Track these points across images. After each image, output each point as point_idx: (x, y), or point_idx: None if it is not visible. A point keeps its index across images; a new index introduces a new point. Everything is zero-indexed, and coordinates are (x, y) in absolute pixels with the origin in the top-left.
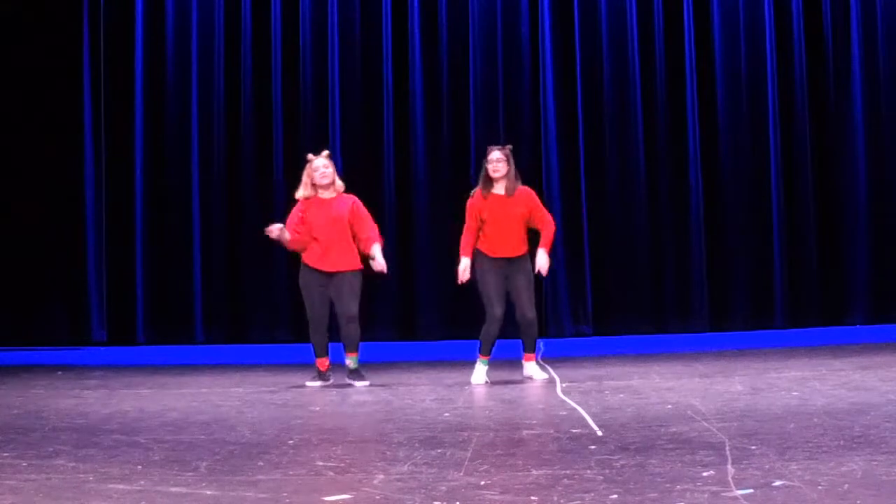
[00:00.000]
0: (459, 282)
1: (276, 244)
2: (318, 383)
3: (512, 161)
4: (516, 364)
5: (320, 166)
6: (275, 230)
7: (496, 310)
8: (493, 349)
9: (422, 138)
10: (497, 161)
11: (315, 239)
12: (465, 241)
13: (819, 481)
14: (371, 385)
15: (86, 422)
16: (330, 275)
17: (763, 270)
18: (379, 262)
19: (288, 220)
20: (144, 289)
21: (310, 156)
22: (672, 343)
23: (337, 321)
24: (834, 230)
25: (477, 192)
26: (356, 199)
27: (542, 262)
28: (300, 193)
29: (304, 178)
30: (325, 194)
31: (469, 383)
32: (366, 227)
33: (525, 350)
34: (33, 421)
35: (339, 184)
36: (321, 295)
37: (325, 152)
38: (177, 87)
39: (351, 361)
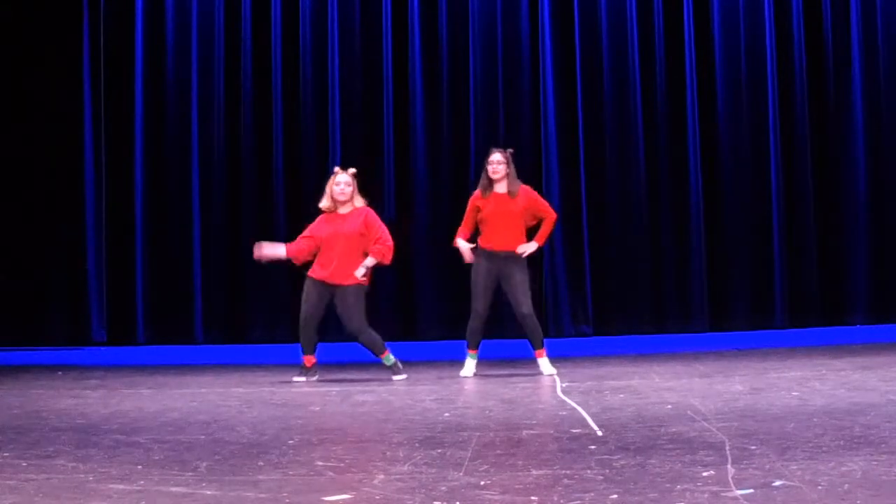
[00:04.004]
0: (468, 261)
1: (281, 238)
2: (303, 379)
3: (512, 164)
4: (517, 363)
5: (341, 182)
6: (263, 249)
7: (478, 305)
8: (481, 344)
9: (422, 138)
10: (497, 163)
11: (321, 251)
12: (460, 232)
13: (819, 481)
14: (375, 385)
15: (86, 422)
16: (332, 287)
17: (763, 270)
18: (358, 271)
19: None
20: (144, 289)
21: (336, 168)
22: (672, 343)
23: (334, 324)
24: (834, 230)
25: (477, 191)
26: (369, 211)
27: (529, 247)
28: (322, 203)
29: (327, 188)
30: (342, 209)
31: (459, 376)
32: (372, 238)
33: (533, 347)
34: (33, 421)
35: (360, 201)
36: (318, 297)
37: (352, 170)
38: (177, 87)
39: (384, 360)
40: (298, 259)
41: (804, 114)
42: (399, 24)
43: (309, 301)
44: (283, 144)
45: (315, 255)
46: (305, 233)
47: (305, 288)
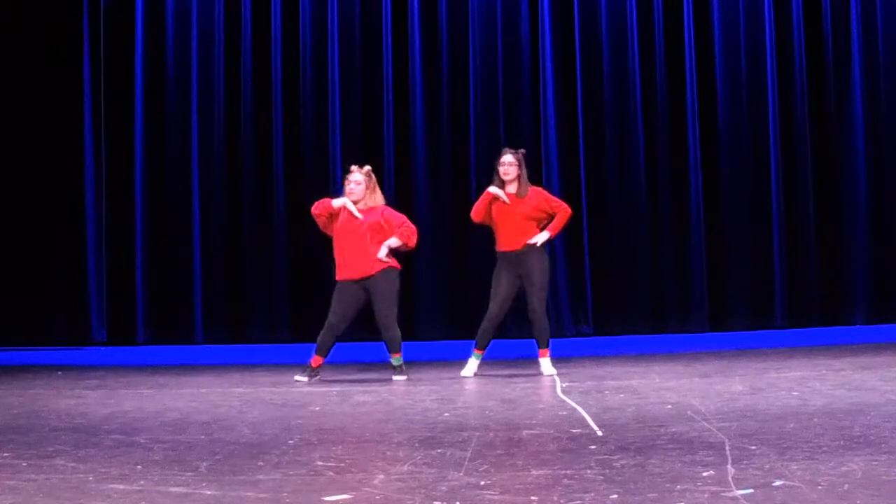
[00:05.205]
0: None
1: (281, 239)
2: (305, 378)
3: (524, 165)
4: (517, 363)
5: (352, 181)
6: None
7: (494, 305)
8: (488, 346)
9: (422, 138)
10: (508, 164)
11: (337, 245)
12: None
13: (819, 481)
14: (375, 385)
15: (86, 422)
16: (361, 283)
17: (763, 270)
18: (381, 251)
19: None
20: (144, 289)
21: (353, 167)
22: (672, 343)
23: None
24: (834, 230)
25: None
26: (387, 208)
27: (541, 237)
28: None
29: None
30: (358, 205)
31: (460, 375)
32: (393, 228)
33: (538, 345)
34: (33, 421)
35: (379, 198)
36: (348, 305)
37: (366, 168)
38: (177, 88)
39: (393, 360)
40: (319, 207)
41: (804, 114)
42: (399, 24)
43: (339, 309)
44: (283, 144)
45: (324, 223)
46: (333, 208)
47: (336, 293)
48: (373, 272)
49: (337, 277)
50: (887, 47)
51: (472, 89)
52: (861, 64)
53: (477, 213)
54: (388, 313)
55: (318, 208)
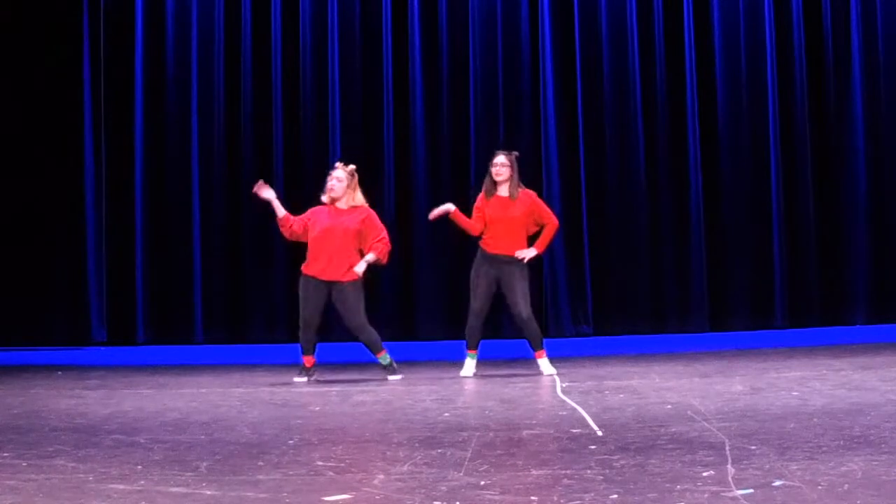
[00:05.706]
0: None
1: (281, 239)
2: (303, 379)
3: (516, 167)
4: (517, 363)
5: (334, 177)
6: (262, 188)
7: (476, 304)
8: (480, 344)
9: (422, 138)
10: (501, 165)
11: (314, 243)
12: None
13: (819, 481)
14: (375, 385)
15: (86, 422)
16: (328, 284)
17: (763, 270)
18: (359, 266)
19: (300, 216)
20: (144, 289)
21: (337, 164)
22: (672, 343)
23: (339, 325)
24: (834, 230)
25: (481, 194)
26: (371, 211)
27: (528, 253)
28: (323, 197)
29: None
30: (340, 204)
31: (459, 376)
32: (371, 238)
33: (533, 349)
34: (33, 421)
35: (359, 198)
36: (316, 298)
37: (350, 167)
38: (177, 88)
39: (381, 359)
40: (285, 229)
41: (804, 114)
42: (399, 24)
43: (309, 303)
44: (283, 145)
45: (299, 237)
46: (304, 214)
47: (302, 287)
48: (341, 279)
49: (304, 270)
50: (887, 47)
51: (472, 89)
52: (861, 64)
53: (471, 228)
54: (358, 319)
55: (286, 229)
